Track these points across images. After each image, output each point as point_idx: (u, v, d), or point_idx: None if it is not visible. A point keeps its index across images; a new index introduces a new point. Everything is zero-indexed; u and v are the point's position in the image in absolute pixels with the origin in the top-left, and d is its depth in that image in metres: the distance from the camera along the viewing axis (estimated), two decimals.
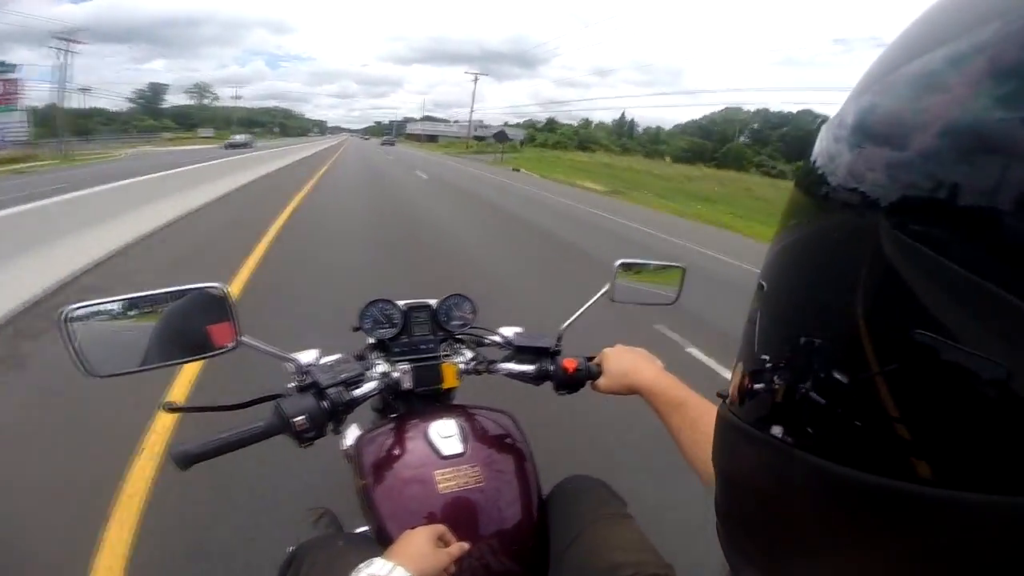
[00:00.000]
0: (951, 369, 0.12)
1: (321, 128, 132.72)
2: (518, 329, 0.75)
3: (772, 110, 50.50)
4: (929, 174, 0.13)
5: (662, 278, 0.76)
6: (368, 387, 0.62)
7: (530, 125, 67.21)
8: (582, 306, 0.70)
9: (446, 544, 0.53)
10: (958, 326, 0.12)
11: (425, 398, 0.71)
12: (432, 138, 75.48)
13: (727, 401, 0.21)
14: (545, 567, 0.59)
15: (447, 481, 0.59)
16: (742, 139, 46.89)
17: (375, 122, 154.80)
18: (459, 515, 0.58)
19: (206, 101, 77.47)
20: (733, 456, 0.21)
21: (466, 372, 0.71)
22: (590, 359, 0.68)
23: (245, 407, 0.57)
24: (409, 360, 0.69)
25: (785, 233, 0.18)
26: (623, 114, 63.45)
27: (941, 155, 0.13)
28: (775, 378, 0.17)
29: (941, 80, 0.13)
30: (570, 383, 0.68)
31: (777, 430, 0.17)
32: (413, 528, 0.53)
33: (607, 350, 0.67)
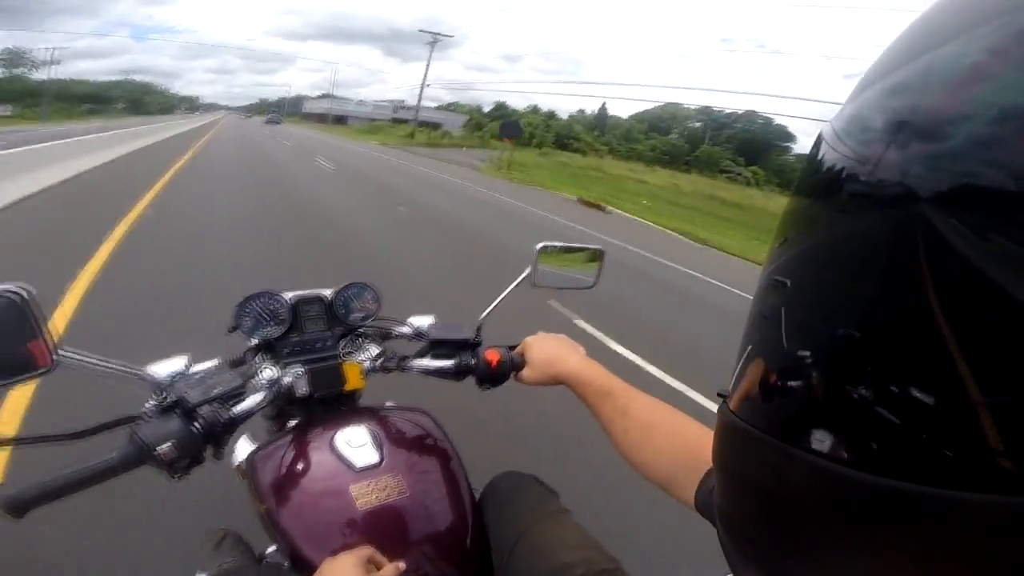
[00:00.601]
0: (953, 368, 0.14)
1: (191, 105, 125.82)
2: (429, 319, 0.78)
3: (715, 108, 54.10)
4: (987, 161, 0.14)
5: (582, 261, 0.83)
6: (253, 400, 0.60)
7: (476, 110, 63.08)
8: (501, 293, 0.75)
9: (378, 567, 0.54)
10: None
11: (327, 403, 0.71)
12: (340, 119, 70.61)
13: (727, 401, 0.23)
14: (489, 571, 0.62)
15: (366, 495, 0.59)
16: (679, 139, 50.17)
17: (260, 99, 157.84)
18: (386, 531, 0.58)
19: (20, 71, 66.29)
20: (733, 456, 0.23)
21: (373, 371, 0.73)
22: (512, 348, 0.72)
23: (91, 435, 0.53)
24: (302, 362, 0.69)
25: (804, 235, 0.20)
26: (603, 105, 57.85)
27: (998, 140, 0.14)
28: (784, 379, 0.19)
29: (981, 66, 0.15)
30: (494, 377, 0.71)
31: (771, 427, 0.19)
32: (335, 553, 0.53)
33: (529, 339, 0.72)
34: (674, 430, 0.54)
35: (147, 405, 0.56)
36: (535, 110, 59.43)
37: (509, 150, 20.36)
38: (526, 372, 0.69)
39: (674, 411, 0.57)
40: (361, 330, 0.77)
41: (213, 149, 15.46)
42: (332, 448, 0.62)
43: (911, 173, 0.15)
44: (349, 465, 0.61)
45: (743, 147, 45.89)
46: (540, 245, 0.75)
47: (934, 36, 0.17)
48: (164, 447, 0.51)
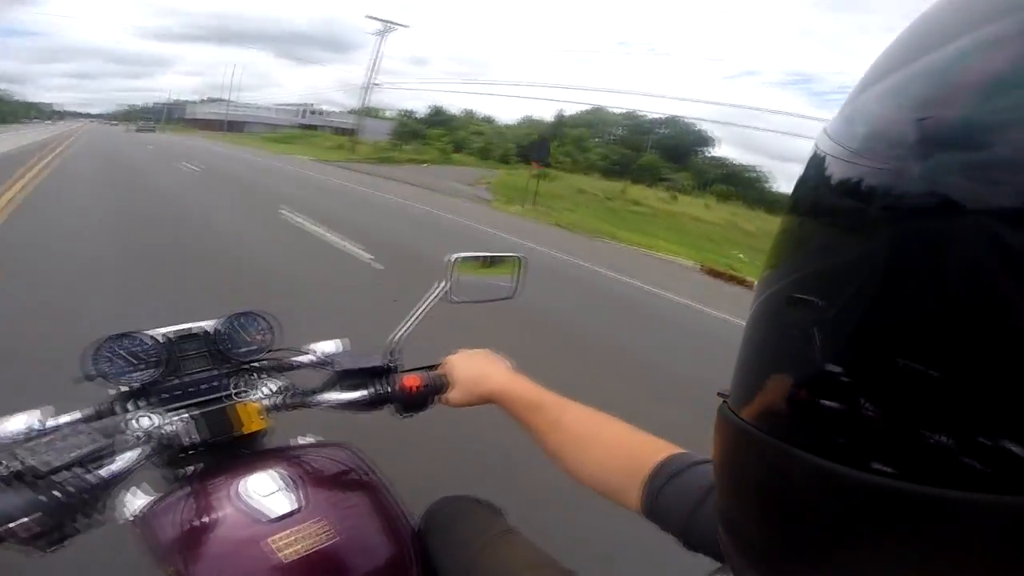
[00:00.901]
0: (954, 366, 0.15)
1: (41, 113, 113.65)
2: (336, 344, 0.76)
3: (639, 112, 54.56)
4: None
5: (500, 271, 0.85)
6: (127, 457, 0.55)
7: (406, 115, 55.29)
8: (415, 310, 0.73)
9: None
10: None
11: (227, 448, 0.67)
12: (235, 126, 65.56)
13: (728, 401, 0.24)
14: None
15: (289, 547, 0.57)
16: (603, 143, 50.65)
17: (130, 106, 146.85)
18: None
19: None
20: (734, 457, 0.24)
21: (274, 409, 0.70)
22: (431, 368, 0.73)
23: None
24: (187, 407, 0.65)
25: (798, 244, 0.22)
26: (560, 112, 53.43)
27: None
28: (785, 379, 0.21)
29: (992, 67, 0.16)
30: (415, 403, 0.70)
31: (771, 427, 0.21)
32: None
33: (451, 358, 0.72)
34: (610, 439, 0.57)
35: None
36: (470, 114, 55.33)
37: (535, 176, 15.28)
38: (452, 394, 0.69)
39: (609, 419, 0.60)
40: (256, 364, 0.73)
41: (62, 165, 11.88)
42: (239, 499, 0.59)
43: (946, 184, 0.16)
44: (263, 515, 0.58)
45: (667, 153, 48.09)
46: (454, 257, 0.75)
47: (938, 35, 0.18)
48: (19, 523, 0.45)
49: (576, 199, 20.72)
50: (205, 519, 0.59)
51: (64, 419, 0.58)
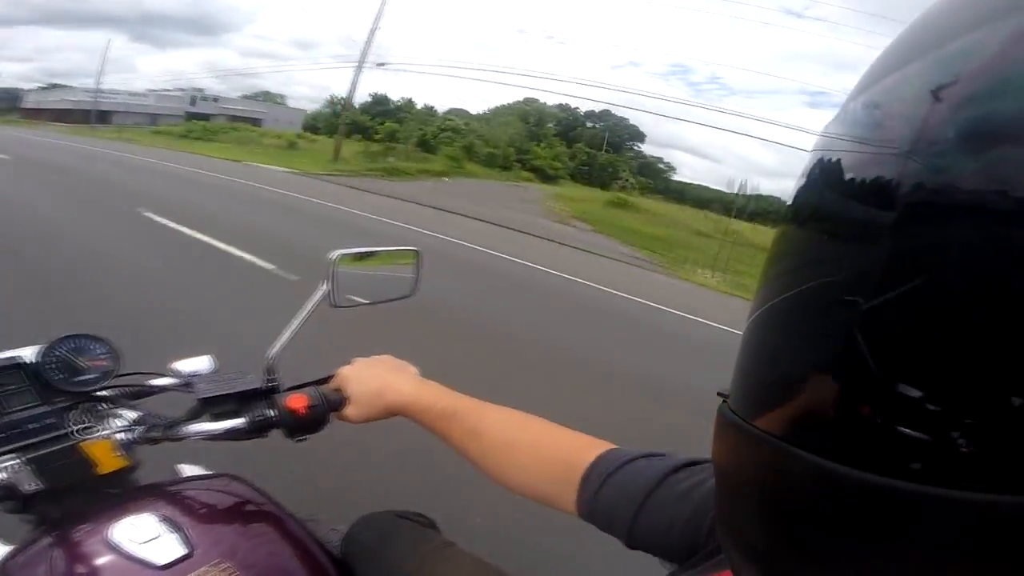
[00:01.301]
0: (951, 364, 0.17)
1: None
2: (202, 361, 0.73)
3: (572, 106, 52.63)
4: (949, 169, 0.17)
5: (391, 266, 0.83)
6: None
7: (337, 101, 44.19)
8: (293, 320, 0.70)
9: None
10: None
11: (88, 489, 0.64)
12: (101, 116, 59.95)
13: (727, 401, 0.26)
14: None
15: None
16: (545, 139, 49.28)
17: None
18: None
19: None
20: (734, 456, 0.26)
21: (130, 443, 0.66)
22: (321, 383, 0.71)
23: None
24: (14, 450, 0.60)
25: (792, 240, 0.25)
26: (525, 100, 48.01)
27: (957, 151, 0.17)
28: (784, 379, 0.23)
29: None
30: (305, 425, 0.68)
31: (770, 426, 0.22)
32: None
33: (344, 370, 0.71)
34: (535, 441, 0.59)
35: None
36: (409, 103, 47.77)
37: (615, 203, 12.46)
38: (350, 410, 0.68)
39: (530, 419, 0.61)
40: (99, 393, 0.69)
41: None
42: (115, 549, 0.56)
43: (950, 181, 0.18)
44: (147, 565, 0.55)
45: (599, 147, 47.70)
46: (335, 254, 0.72)
47: (939, 33, 0.20)
48: None
49: (709, 244, 16.34)
50: (81, 572, 0.55)
51: None
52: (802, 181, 0.24)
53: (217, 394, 0.67)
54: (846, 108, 0.24)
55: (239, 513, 0.66)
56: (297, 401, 0.67)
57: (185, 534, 0.58)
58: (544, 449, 0.57)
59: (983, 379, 0.16)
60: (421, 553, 0.67)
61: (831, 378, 0.21)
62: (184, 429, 0.65)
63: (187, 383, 0.70)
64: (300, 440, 0.69)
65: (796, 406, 0.22)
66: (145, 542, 0.57)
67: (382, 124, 39.49)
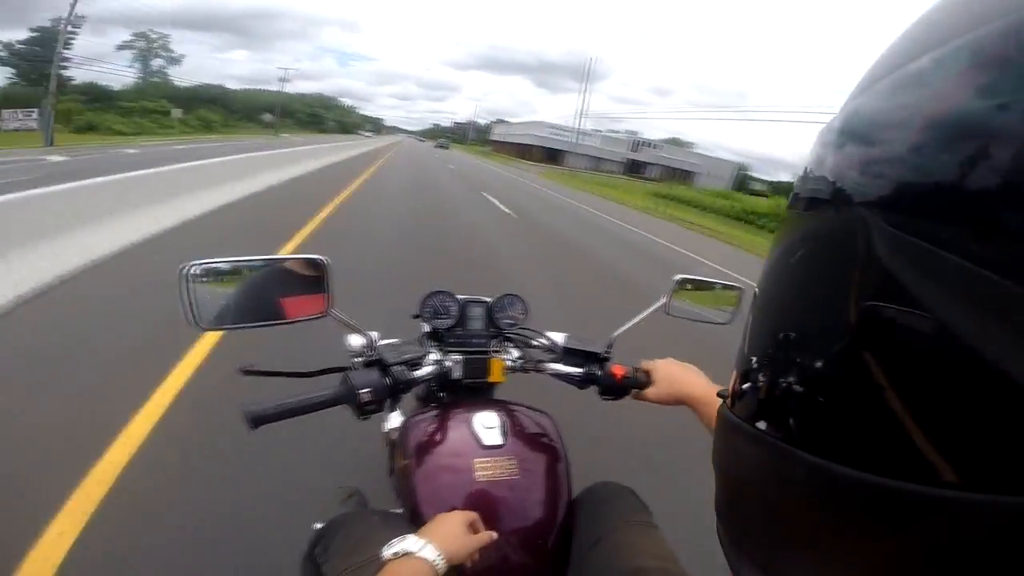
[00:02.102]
0: (948, 362, 0.20)
1: (376, 126, 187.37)
2: (561, 335, 1.20)
3: None
4: (914, 167, 0.21)
5: (718, 297, 1.17)
6: (425, 370, 1.07)
7: None
8: (635, 316, 1.14)
9: (476, 531, 0.84)
10: (954, 316, 0.19)
11: (470, 390, 1.19)
12: (552, 155, 64.35)
13: (727, 401, 0.32)
14: (565, 567, 0.93)
15: (484, 470, 0.96)
16: None
17: (433, 125, 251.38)
18: (490, 504, 0.93)
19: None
20: (734, 455, 0.32)
21: (513, 369, 1.18)
22: (638, 368, 1.09)
23: (316, 375, 1.00)
24: (461, 352, 1.16)
25: (778, 242, 0.30)
26: None
27: (925, 148, 0.21)
28: (783, 379, 0.27)
29: (924, 78, 0.23)
30: (616, 389, 1.09)
31: (770, 427, 0.27)
32: (447, 512, 0.85)
33: (658, 361, 1.08)
34: None
35: (355, 360, 1.04)
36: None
37: None
38: (650, 390, 1.05)
39: None
40: (509, 334, 1.25)
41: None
42: (469, 425, 1.04)
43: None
44: (478, 441, 1.01)
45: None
46: (678, 277, 1.13)
47: (937, 33, 0.24)
48: (365, 392, 0.93)
49: None
50: (440, 434, 1.05)
51: (393, 340, 1.15)
52: (804, 178, 0.29)
53: (577, 347, 1.15)
54: (847, 107, 0.28)
55: (539, 439, 1.07)
56: (618, 370, 1.10)
57: (506, 435, 1.02)
58: None
59: (981, 380, 0.18)
60: (626, 520, 0.94)
61: (831, 379, 0.24)
62: (545, 366, 1.15)
63: (554, 344, 1.19)
64: (606, 399, 1.12)
65: (796, 407, 0.26)
66: (486, 428, 1.02)
67: None
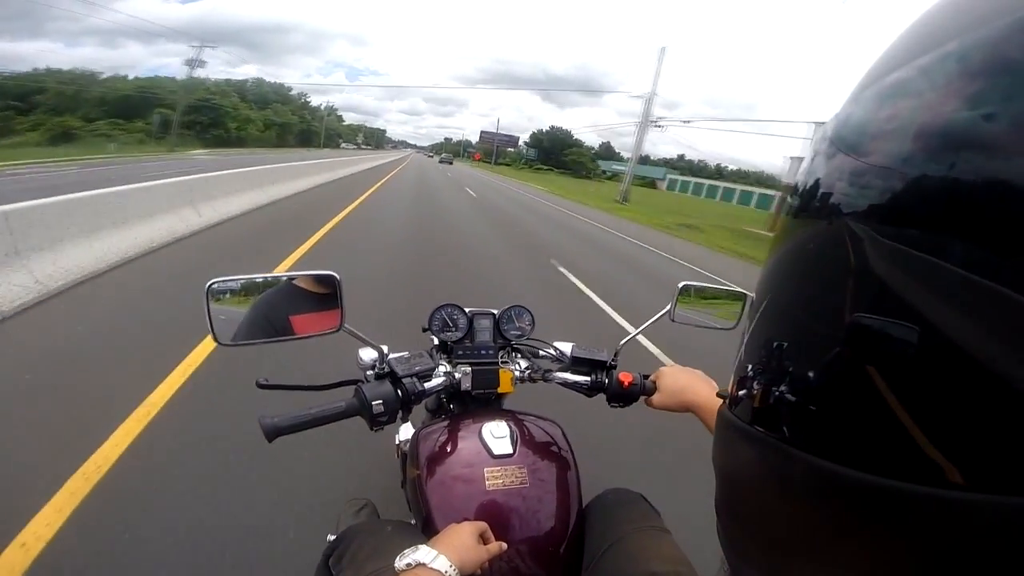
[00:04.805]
0: (946, 367, 0.20)
1: (377, 139, 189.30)
2: (567, 345, 1.23)
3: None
4: (900, 177, 0.22)
5: (722, 304, 1.20)
6: (435, 382, 1.09)
7: None
8: (641, 325, 1.17)
9: (486, 541, 0.84)
10: (949, 323, 0.20)
11: (479, 401, 1.21)
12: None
13: (727, 401, 0.33)
14: (577, 575, 0.94)
15: (495, 479, 0.97)
16: None
17: (445, 139, 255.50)
18: (502, 513, 0.94)
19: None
20: (733, 455, 0.32)
21: (521, 380, 1.21)
22: (645, 376, 1.12)
23: (329, 389, 1.01)
24: (470, 363, 1.19)
25: (775, 250, 0.31)
26: None
27: (912, 158, 0.22)
28: (781, 382, 0.27)
29: (910, 88, 0.23)
30: (624, 397, 1.13)
31: (776, 429, 0.27)
32: (458, 522, 0.85)
33: (664, 369, 1.11)
34: None
35: (367, 373, 1.05)
36: None
37: None
38: (657, 397, 1.09)
39: None
40: (516, 345, 1.27)
41: None
42: (479, 435, 1.06)
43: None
44: (488, 450, 1.03)
45: None
46: (682, 284, 1.17)
47: (934, 36, 0.24)
48: (377, 404, 0.94)
49: None
50: (451, 445, 1.06)
51: (403, 353, 1.15)
52: (804, 180, 0.29)
53: (584, 356, 1.19)
54: (838, 114, 0.28)
55: (548, 447, 1.09)
56: (625, 377, 1.13)
57: (516, 444, 1.04)
58: None
59: (979, 381, 0.19)
60: (638, 525, 0.95)
61: (831, 381, 0.24)
62: (553, 375, 1.19)
63: (561, 353, 1.22)
64: (614, 406, 1.15)
65: (795, 408, 0.26)
66: (496, 438, 1.04)
67: None
